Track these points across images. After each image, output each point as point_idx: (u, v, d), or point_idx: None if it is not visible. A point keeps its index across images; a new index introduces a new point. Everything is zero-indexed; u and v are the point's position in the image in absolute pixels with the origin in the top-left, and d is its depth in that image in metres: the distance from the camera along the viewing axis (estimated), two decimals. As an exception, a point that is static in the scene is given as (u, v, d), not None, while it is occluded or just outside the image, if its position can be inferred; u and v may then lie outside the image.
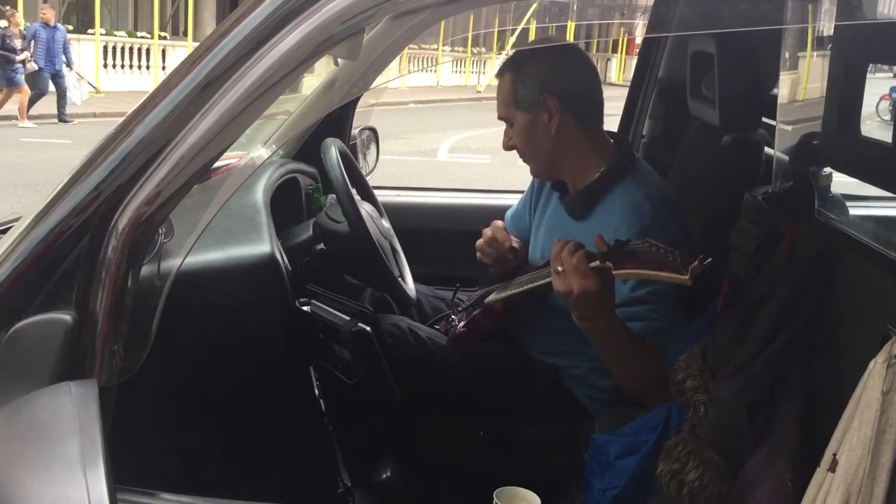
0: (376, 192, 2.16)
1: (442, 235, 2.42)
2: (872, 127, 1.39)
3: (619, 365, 1.55)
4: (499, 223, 1.94)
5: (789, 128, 1.62)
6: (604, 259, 1.33)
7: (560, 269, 1.40)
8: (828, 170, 1.40)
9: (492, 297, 1.82)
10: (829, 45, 1.39)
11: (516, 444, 1.84)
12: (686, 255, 1.24)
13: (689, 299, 1.62)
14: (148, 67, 16.63)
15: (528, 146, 1.76)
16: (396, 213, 2.22)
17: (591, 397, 1.77)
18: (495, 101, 1.81)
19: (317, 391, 1.88)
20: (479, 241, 1.91)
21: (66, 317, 0.91)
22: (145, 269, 1.06)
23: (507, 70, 1.75)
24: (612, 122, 2.71)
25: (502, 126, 1.81)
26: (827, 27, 1.49)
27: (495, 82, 1.84)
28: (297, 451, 1.71)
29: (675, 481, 1.15)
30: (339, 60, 1.92)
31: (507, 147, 1.81)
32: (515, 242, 1.89)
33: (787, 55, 1.64)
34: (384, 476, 1.78)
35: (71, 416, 0.78)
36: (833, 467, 0.90)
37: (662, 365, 1.50)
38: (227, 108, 0.96)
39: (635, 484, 1.34)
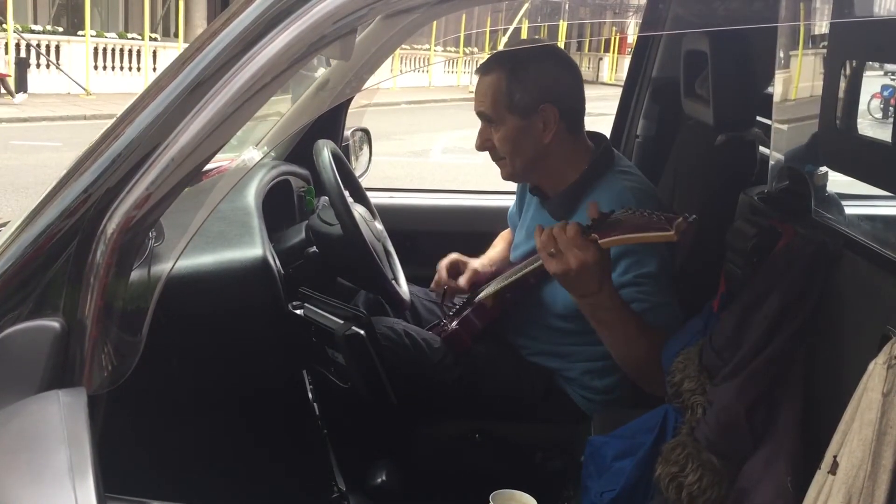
0: (369, 193, 2.15)
1: (435, 237, 2.40)
2: (864, 125, 1.39)
3: (620, 343, 1.51)
4: (452, 257, 1.96)
5: (785, 126, 1.61)
6: (589, 231, 1.33)
7: (553, 250, 1.37)
8: (824, 169, 1.40)
9: (482, 295, 1.81)
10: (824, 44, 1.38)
11: (512, 447, 1.83)
12: (670, 213, 1.24)
13: (684, 299, 1.61)
14: (139, 69, 16.58)
15: (512, 151, 1.70)
16: (389, 215, 2.21)
17: (585, 398, 1.77)
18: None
19: (310, 395, 1.87)
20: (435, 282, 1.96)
21: (55, 324, 0.90)
22: (135, 274, 1.04)
23: (501, 68, 1.67)
24: (606, 122, 2.71)
25: None
26: (820, 25, 1.49)
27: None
28: (291, 456, 1.70)
29: (674, 484, 1.15)
30: (332, 61, 1.90)
31: (483, 147, 1.74)
32: (463, 279, 1.92)
33: (781, 53, 1.64)
34: (379, 480, 1.77)
35: (59, 426, 0.76)
36: (833, 469, 0.89)
37: (660, 346, 1.48)
38: (218, 110, 0.94)
39: (633, 486, 1.33)
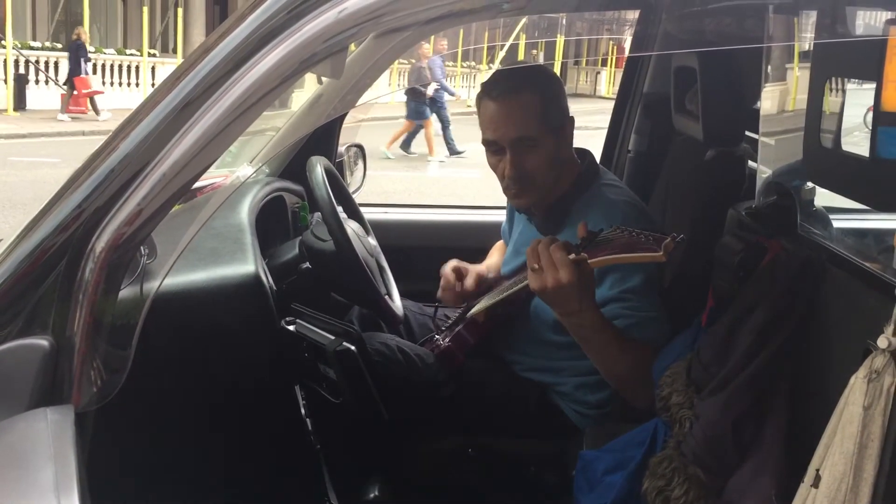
0: (363, 209, 2.16)
1: (429, 252, 2.41)
2: (861, 138, 1.39)
3: (603, 360, 1.53)
4: (453, 262, 1.96)
5: (772, 140, 1.63)
6: (578, 251, 1.34)
7: (536, 266, 1.38)
8: (810, 184, 1.41)
9: (473, 311, 1.82)
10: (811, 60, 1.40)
11: (505, 461, 1.83)
12: (658, 234, 1.25)
13: (674, 314, 1.62)
14: (137, 85, 16.62)
15: (548, 170, 1.69)
16: (383, 231, 2.22)
17: (578, 412, 1.77)
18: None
19: (303, 410, 1.87)
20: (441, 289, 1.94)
21: (44, 342, 0.90)
22: (126, 291, 1.05)
23: (528, 89, 1.65)
24: (600, 137, 2.74)
25: None
26: (807, 44, 1.50)
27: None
28: (283, 471, 1.70)
29: (661, 498, 1.15)
30: (324, 79, 1.92)
31: (520, 176, 1.66)
32: (469, 280, 1.91)
33: (769, 69, 1.66)
34: (372, 495, 1.77)
35: (46, 443, 0.77)
36: (816, 483, 0.90)
37: (646, 361, 1.49)
38: (209, 127, 0.95)
39: (623, 500, 1.33)
